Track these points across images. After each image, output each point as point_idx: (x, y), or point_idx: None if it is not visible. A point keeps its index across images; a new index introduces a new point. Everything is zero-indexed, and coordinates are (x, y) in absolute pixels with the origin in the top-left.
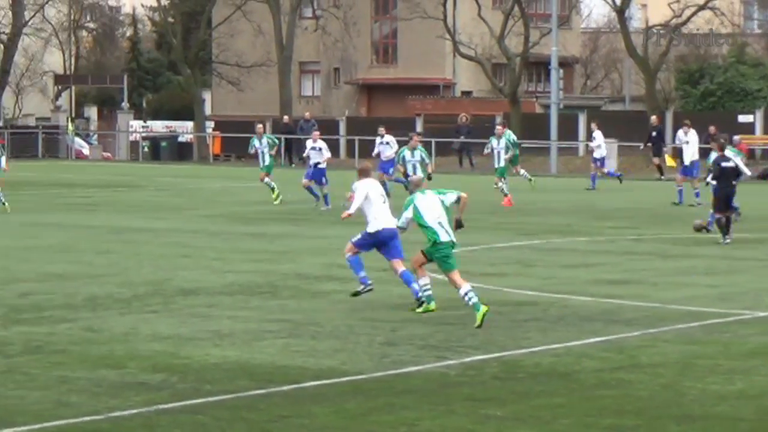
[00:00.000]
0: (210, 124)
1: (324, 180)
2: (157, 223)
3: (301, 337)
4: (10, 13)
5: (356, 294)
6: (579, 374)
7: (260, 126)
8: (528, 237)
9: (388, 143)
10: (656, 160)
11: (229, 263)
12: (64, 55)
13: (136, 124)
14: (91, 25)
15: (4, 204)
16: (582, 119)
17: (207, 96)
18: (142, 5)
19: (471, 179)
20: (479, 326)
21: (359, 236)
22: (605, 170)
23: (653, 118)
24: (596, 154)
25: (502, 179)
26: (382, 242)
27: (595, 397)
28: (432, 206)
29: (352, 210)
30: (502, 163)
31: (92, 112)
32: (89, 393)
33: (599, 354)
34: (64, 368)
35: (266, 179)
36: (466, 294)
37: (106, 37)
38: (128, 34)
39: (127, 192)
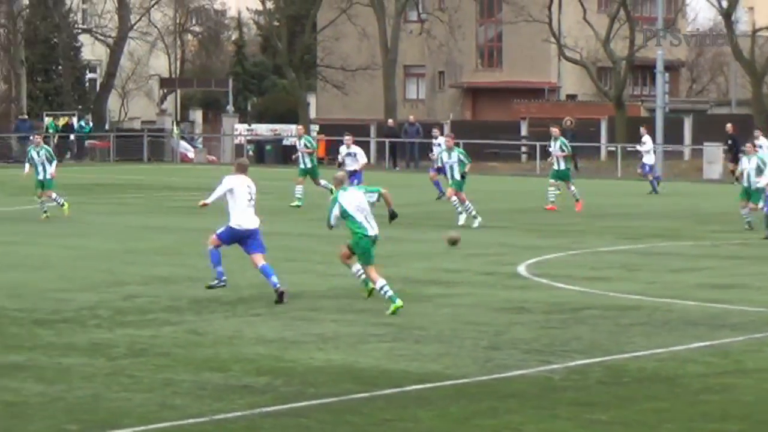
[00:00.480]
0: (315, 128)
1: (356, 181)
2: (262, 226)
3: (405, 341)
4: (116, 17)
5: (210, 287)
6: (683, 379)
7: (300, 127)
8: (632, 241)
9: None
10: (731, 166)
11: (333, 267)
12: (169, 59)
13: (241, 128)
14: (197, 28)
15: (45, 213)
16: (687, 123)
17: (312, 99)
18: (248, 9)
19: (577, 183)
20: (392, 313)
21: (223, 229)
22: (653, 175)
23: (728, 126)
24: (646, 160)
25: (568, 183)
26: (242, 238)
27: (700, 402)
28: (356, 201)
29: (208, 200)
30: (563, 166)
31: (197, 115)
32: (193, 395)
33: (704, 359)
34: (169, 371)
35: (323, 182)
36: (381, 288)
37: (212, 40)
38: (233, 37)
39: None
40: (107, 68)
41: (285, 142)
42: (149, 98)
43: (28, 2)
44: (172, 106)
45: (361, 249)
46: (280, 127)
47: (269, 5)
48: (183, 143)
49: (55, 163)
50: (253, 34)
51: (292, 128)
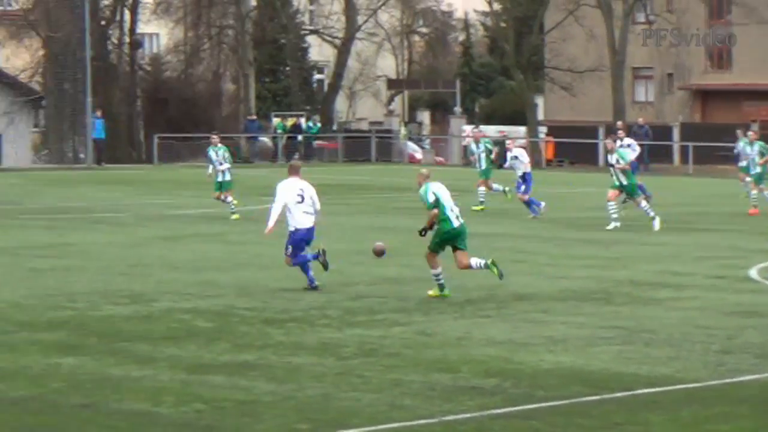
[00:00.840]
0: (543, 129)
1: (526, 188)
2: (489, 227)
3: (635, 344)
4: (343, 18)
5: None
6: None
7: (477, 130)
8: None
9: (629, 145)
10: None
11: (562, 269)
12: (396, 60)
13: (469, 129)
14: (424, 29)
15: (234, 213)
16: None
17: (539, 101)
18: (475, 10)
19: None
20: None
21: (289, 247)
22: None
23: None
24: None
25: (760, 186)
26: (305, 239)
27: None
28: (445, 193)
29: (270, 223)
30: (758, 169)
31: (425, 116)
32: (423, 396)
33: None
34: (398, 371)
35: (494, 186)
36: (436, 276)
37: (439, 41)
38: (460, 38)
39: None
40: (334, 69)
41: None
42: (377, 99)
43: (256, 3)
44: (400, 106)
45: (439, 236)
46: (507, 129)
47: (496, 6)
48: (411, 144)
49: (226, 164)
50: (480, 35)
51: (521, 130)
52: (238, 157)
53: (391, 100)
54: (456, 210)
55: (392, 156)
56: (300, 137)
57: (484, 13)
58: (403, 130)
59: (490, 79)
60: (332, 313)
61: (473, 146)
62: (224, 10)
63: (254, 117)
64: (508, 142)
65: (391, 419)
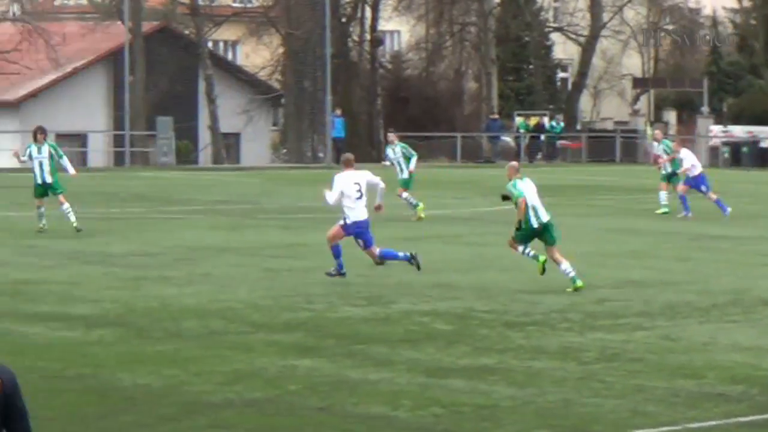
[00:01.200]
0: None
1: (704, 188)
2: (736, 230)
3: None
4: (588, 15)
5: (329, 275)
6: None
7: (658, 131)
8: None
9: None
10: None
11: None
12: (642, 58)
13: (716, 129)
14: (670, 27)
15: (416, 206)
16: None
17: None
18: (723, 7)
19: None
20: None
21: (359, 241)
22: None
23: None
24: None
25: None
26: (358, 233)
27: None
28: (530, 191)
29: (330, 202)
30: None
31: (671, 116)
32: (666, 403)
33: None
34: (641, 377)
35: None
36: (524, 252)
37: (686, 39)
38: (708, 36)
39: (701, 199)
40: (579, 67)
41: (762, 145)
42: (622, 98)
43: (499, 0)
44: (645, 106)
45: (522, 231)
46: (756, 129)
47: (746, 3)
48: (656, 144)
49: (414, 159)
50: (728, 32)
51: None
52: (478, 157)
53: (636, 99)
54: (540, 209)
55: (637, 156)
56: (543, 137)
57: (733, 10)
58: (648, 130)
59: (738, 77)
60: (574, 317)
61: (655, 146)
62: (467, 7)
63: (497, 116)
64: (674, 143)
65: (634, 426)
